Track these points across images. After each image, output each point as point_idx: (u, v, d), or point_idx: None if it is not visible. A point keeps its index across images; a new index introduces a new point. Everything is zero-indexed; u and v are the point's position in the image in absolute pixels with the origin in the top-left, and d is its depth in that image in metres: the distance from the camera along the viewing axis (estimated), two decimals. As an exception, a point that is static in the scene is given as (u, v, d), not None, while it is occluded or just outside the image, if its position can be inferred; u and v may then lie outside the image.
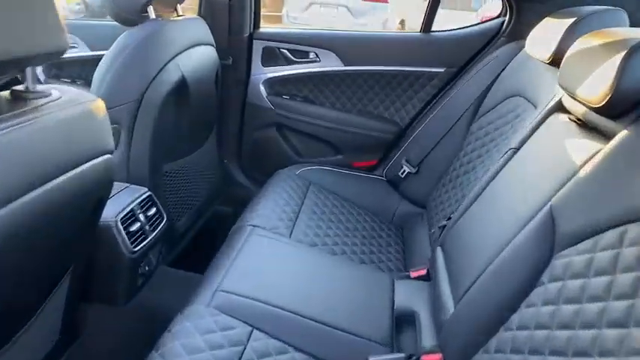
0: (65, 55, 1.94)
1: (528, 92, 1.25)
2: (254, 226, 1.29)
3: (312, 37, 1.80)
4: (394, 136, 1.82)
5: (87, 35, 2.03)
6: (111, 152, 0.82)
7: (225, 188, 1.91)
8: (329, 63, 1.79)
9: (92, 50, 2.02)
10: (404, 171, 1.69)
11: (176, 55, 1.32)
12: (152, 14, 1.32)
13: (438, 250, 1.17)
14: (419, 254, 1.38)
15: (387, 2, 7.21)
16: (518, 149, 1.05)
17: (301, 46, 1.80)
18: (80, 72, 2.06)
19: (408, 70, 1.74)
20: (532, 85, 1.25)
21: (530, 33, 1.33)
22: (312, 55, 1.81)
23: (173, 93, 1.32)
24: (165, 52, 1.29)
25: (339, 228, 1.43)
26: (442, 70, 1.70)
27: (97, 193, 0.83)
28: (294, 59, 1.82)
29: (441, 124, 1.64)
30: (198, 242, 1.66)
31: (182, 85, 1.34)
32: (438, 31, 1.71)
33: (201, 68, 1.44)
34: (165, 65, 1.27)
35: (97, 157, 0.78)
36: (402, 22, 6.70)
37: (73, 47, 2.02)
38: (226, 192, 1.93)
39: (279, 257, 1.19)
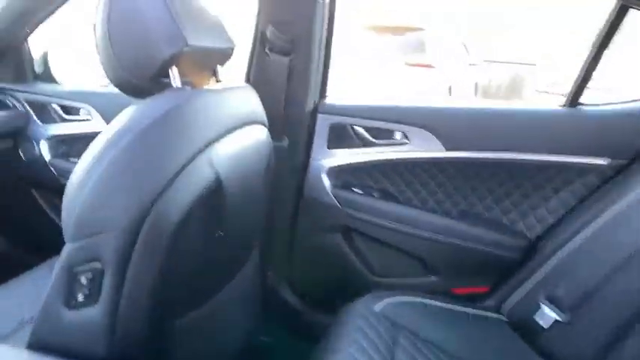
0: (76, 131, 1.43)
1: None
2: None
3: (400, 111, 1.30)
4: (519, 255, 1.24)
5: (106, 106, 1.61)
6: None
7: (268, 313, 1.36)
8: (423, 146, 1.27)
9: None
10: (544, 314, 1.09)
11: (209, 144, 0.80)
12: (176, 80, 0.82)
13: None
14: None
15: (433, 67, 6.95)
16: None
17: (383, 122, 1.30)
18: None
19: (544, 161, 1.19)
20: None
21: None
22: (397, 136, 1.30)
23: (199, 205, 0.79)
24: (193, 141, 0.77)
25: None
26: (603, 162, 1.14)
27: None
28: (373, 140, 1.32)
29: (606, 246, 1.06)
30: None
31: (215, 191, 0.81)
32: (594, 105, 1.17)
33: (246, 160, 0.92)
34: (189, 162, 0.75)
35: None
36: (449, 89, 6.37)
37: (87, 120, 1.61)
38: (269, 317, 1.37)
39: None
